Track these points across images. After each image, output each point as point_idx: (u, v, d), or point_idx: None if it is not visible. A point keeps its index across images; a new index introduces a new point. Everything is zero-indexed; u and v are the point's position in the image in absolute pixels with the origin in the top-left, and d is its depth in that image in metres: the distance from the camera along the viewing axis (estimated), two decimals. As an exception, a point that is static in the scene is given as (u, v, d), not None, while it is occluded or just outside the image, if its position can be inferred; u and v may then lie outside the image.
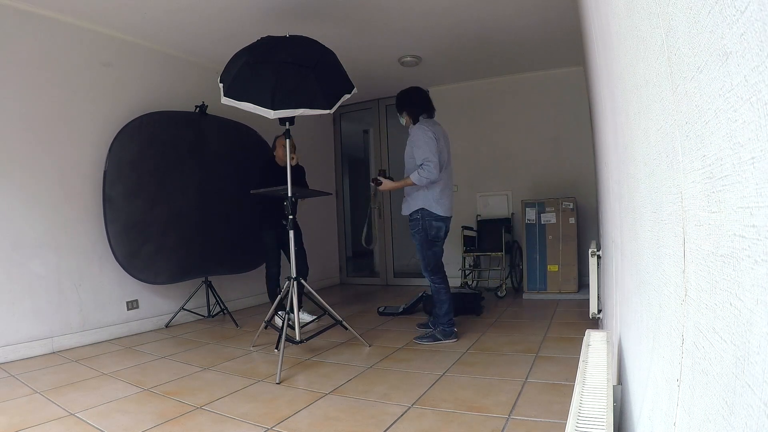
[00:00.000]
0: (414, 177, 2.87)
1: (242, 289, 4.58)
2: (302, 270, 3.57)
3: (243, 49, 2.77)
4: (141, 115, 3.61)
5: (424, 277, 3.11)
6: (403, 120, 3.15)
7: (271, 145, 3.93)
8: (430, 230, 2.96)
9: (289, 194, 2.81)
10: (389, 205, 5.98)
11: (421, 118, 3.04)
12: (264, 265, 3.97)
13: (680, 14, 0.39)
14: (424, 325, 3.35)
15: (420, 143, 2.88)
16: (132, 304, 3.63)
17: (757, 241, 0.27)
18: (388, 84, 5.33)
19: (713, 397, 0.34)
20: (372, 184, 3.17)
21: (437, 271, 3.00)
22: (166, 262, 3.67)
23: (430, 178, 2.83)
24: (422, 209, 2.94)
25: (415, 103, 3.06)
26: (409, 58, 4.51)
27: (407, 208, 3.05)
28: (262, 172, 3.72)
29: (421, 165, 2.86)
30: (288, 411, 1.99)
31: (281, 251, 3.76)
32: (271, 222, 3.65)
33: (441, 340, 2.97)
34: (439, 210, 2.95)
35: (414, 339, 3.06)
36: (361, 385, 2.28)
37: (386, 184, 3.06)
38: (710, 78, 0.33)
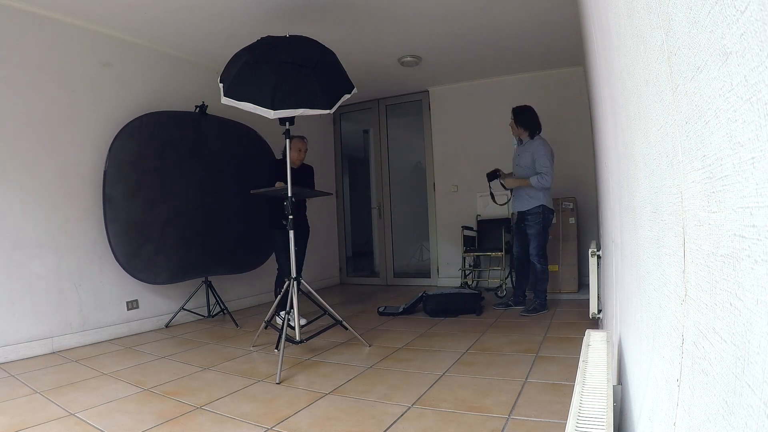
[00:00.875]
0: (533, 180, 3.59)
1: (242, 289, 4.58)
2: (298, 268, 3.55)
3: (243, 49, 2.77)
4: (141, 115, 3.61)
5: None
6: (518, 133, 3.83)
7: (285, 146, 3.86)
8: (546, 222, 3.70)
9: (289, 194, 2.81)
10: (389, 205, 5.98)
11: (537, 134, 3.74)
12: (264, 264, 3.96)
13: (680, 14, 0.39)
14: (504, 305, 4.00)
15: (542, 155, 3.60)
16: (132, 304, 3.63)
17: (757, 241, 0.27)
18: (388, 84, 5.34)
19: (713, 397, 0.34)
20: (494, 177, 3.96)
21: (545, 254, 3.75)
22: (166, 262, 3.67)
23: (545, 186, 3.60)
24: (543, 205, 3.67)
25: (534, 120, 3.75)
26: (409, 58, 4.51)
27: (527, 204, 3.71)
28: (270, 171, 3.63)
29: (540, 173, 3.57)
30: (288, 411, 1.99)
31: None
32: (279, 221, 3.59)
33: (541, 311, 3.67)
34: (551, 205, 3.78)
35: (521, 314, 3.68)
36: (361, 385, 2.28)
37: (510, 182, 3.80)
38: (710, 78, 0.33)
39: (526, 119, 3.74)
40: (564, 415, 0.82)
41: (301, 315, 3.57)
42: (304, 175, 3.72)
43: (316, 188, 3.77)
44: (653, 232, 0.62)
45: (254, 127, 4.39)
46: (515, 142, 3.91)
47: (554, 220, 4.58)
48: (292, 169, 3.39)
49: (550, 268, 4.42)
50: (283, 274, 3.73)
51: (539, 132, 3.75)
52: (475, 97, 5.40)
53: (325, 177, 6.00)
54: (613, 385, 0.87)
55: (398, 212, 6.12)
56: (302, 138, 3.73)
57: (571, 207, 4.37)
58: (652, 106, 0.56)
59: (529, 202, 3.71)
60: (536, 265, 3.72)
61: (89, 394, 2.26)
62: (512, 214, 5.09)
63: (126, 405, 2.11)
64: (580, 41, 3.43)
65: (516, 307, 3.93)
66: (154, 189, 3.61)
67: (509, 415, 1.82)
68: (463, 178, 5.46)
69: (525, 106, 3.80)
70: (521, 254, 3.89)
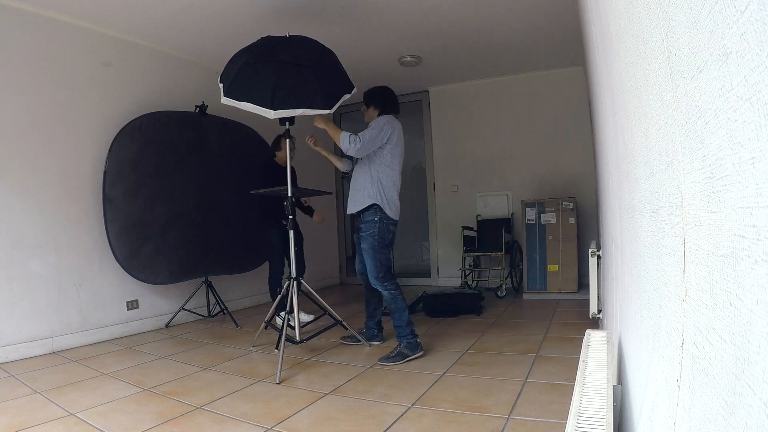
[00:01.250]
0: (343, 136, 2.77)
1: (242, 289, 4.58)
2: (300, 270, 3.57)
3: (243, 49, 2.77)
4: (141, 115, 3.61)
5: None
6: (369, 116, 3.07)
7: (271, 145, 3.92)
8: (385, 233, 2.81)
9: (289, 194, 2.81)
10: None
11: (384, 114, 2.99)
12: (264, 264, 3.96)
13: (680, 14, 0.39)
14: (351, 338, 3.07)
15: (375, 126, 2.87)
16: (132, 304, 3.63)
17: (757, 241, 0.27)
18: (388, 84, 5.32)
19: (713, 397, 0.34)
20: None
21: (391, 274, 2.82)
22: (166, 261, 3.67)
23: (352, 147, 2.76)
24: (377, 207, 2.83)
25: (386, 100, 3.05)
26: (409, 58, 4.51)
27: (357, 204, 2.85)
28: (262, 172, 3.71)
29: (356, 136, 2.79)
30: (288, 411, 1.99)
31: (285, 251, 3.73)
32: (276, 220, 3.62)
33: (411, 355, 2.65)
34: (395, 216, 2.90)
35: (379, 362, 2.62)
36: (361, 385, 2.28)
37: (320, 120, 2.87)
38: (710, 78, 0.33)
39: (375, 97, 3.07)
40: (564, 415, 0.82)
41: (303, 311, 3.60)
42: (293, 174, 3.69)
43: (311, 188, 3.77)
44: (653, 232, 0.62)
45: (254, 127, 4.39)
46: None
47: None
48: (282, 168, 3.39)
49: (550, 268, 4.42)
50: (275, 273, 3.74)
51: (394, 113, 3.06)
52: (475, 97, 5.40)
53: (325, 177, 6.00)
54: (613, 385, 0.87)
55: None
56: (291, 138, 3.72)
57: (571, 207, 4.37)
58: (652, 106, 0.56)
59: (358, 202, 2.82)
60: (382, 293, 2.76)
61: (89, 394, 2.26)
62: (512, 214, 5.13)
63: (126, 405, 2.11)
64: (580, 41, 3.43)
65: (361, 344, 2.98)
66: (154, 189, 3.61)
67: (509, 415, 1.82)
68: (463, 178, 5.46)
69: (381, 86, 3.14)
70: (364, 273, 2.90)
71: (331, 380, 2.37)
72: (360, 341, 3.01)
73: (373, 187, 2.80)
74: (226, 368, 2.65)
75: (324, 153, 3.16)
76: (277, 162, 3.75)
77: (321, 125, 2.88)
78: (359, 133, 2.79)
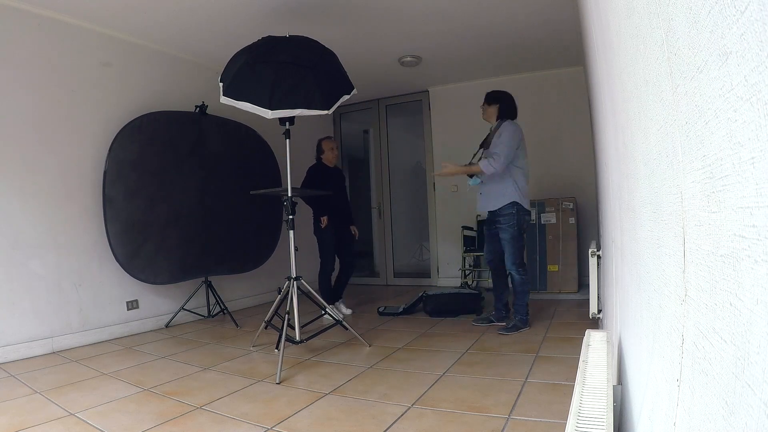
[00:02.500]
0: (483, 164, 3.08)
1: (242, 289, 4.58)
2: (348, 271, 4.06)
3: (243, 48, 2.78)
4: (141, 115, 3.61)
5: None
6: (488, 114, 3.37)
7: (317, 148, 4.03)
8: (521, 223, 3.17)
9: (289, 194, 2.81)
10: (389, 205, 5.98)
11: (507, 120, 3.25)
12: (264, 264, 3.99)
13: (680, 14, 0.39)
14: (486, 320, 3.46)
15: (505, 137, 3.11)
16: (132, 304, 3.63)
17: (757, 241, 0.27)
18: (388, 84, 5.34)
19: (713, 397, 0.34)
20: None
21: (523, 262, 3.26)
22: (167, 261, 3.67)
23: (495, 169, 3.05)
24: (516, 203, 3.13)
25: (510, 105, 3.32)
26: (409, 58, 4.51)
27: (497, 202, 3.17)
28: (309, 175, 3.88)
29: (491, 156, 3.08)
30: (288, 411, 1.99)
31: (337, 250, 3.98)
32: (331, 222, 3.81)
33: (522, 327, 3.18)
34: (527, 206, 3.24)
35: (498, 332, 3.15)
36: (361, 385, 2.28)
37: (450, 169, 3.25)
38: (710, 78, 0.33)
39: (498, 99, 3.34)
40: (564, 415, 0.82)
41: (346, 306, 4.10)
42: (338, 176, 4.02)
43: (352, 180, 4.05)
44: (653, 232, 0.62)
45: (254, 127, 4.39)
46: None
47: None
48: (328, 169, 3.83)
49: (550, 268, 4.43)
50: (325, 270, 3.92)
51: (513, 118, 3.30)
52: (475, 97, 5.37)
53: (325, 177, 6.00)
54: (613, 385, 0.87)
55: (398, 212, 6.12)
56: (331, 137, 4.08)
57: (571, 207, 4.37)
58: (652, 106, 0.56)
59: (498, 199, 3.18)
60: (515, 277, 3.20)
61: (89, 394, 2.26)
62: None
63: (126, 405, 2.11)
64: (580, 41, 3.43)
65: (498, 324, 3.39)
66: (154, 189, 3.61)
67: (509, 415, 1.82)
68: (462, 178, 5.43)
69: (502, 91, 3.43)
70: (496, 262, 3.34)
71: (331, 380, 2.37)
72: (492, 321, 3.40)
73: (510, 187, 3.14)
74: (226, 368, 2.65)
75: (459, 170, 3.31)
76: (325, 163, 3.94)
77: (451, 172, 3.27)
78: (493, 153, 3.09)
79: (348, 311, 4.05)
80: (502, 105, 3.29)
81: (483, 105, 3.40)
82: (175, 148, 3.76)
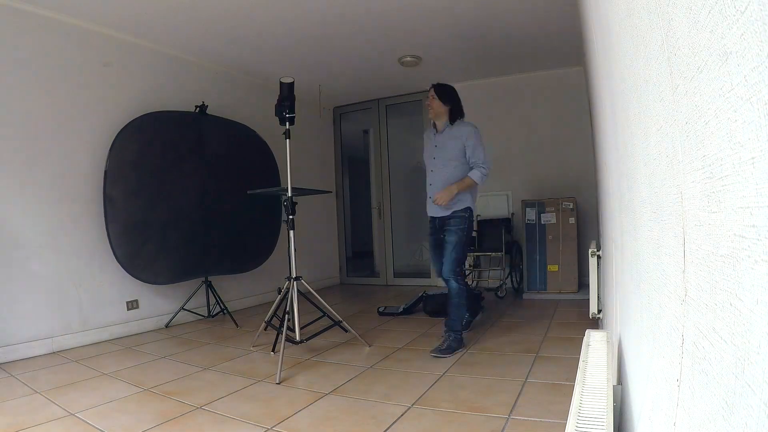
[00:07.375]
0: (477, 176, 2.86)
1: (242, 289, 4.58)
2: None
3: None
4: (141, 115, 3.61)
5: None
6: (440, 116, 2.97)
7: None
8: (470, 228, 2.95)
9: (289, 194, 2.81)
10: (389, 205, 5.98)
11: (460, 119, 2.99)
12: (264, 264, 3.98)
13: (680, 14, 0.39)
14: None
15: (479, 143, 2.89)
16: (132, 304, 3.63)
17: (757, 241, 0.27)
18: (388, 84, 5.34)
19: (713, 398, 0.34)
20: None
21: (463, 269, 3.03)
22: (167, 261, 3.67)
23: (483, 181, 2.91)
24: (470, 208, 2.93)
25: (457, 99, 3.00)
26: (409, 58, 4.51)
27: (452, 206, 2.89)
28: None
29: (481, 167, 2.87)
30: (288, 411, 1.99)
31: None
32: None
33: (457, 348, 2.78)
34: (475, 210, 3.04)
35: (431, 353, 2.75)
36: (361, 385, 2.28)
37: (447, 194, 2.85)
38: (710, 78, 0.33)
39: (450, 96, 2.96)
40: (564, 415, 0.82)
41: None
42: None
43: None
44: (653, 232, 0.62)
45: (254, 127, 4.40)
46: (430, 131, 3.08)
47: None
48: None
49: (550, 268, 4.42)
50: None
51: (462, 117, 3.00)
52: (474, 97, 5.39)
53: (325, 177, 6.01)
54: (613, 385, 0.88)
55: (398, 212, 6.12)
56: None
57: (571, 207, 4.37)
58: (652, 106, 0.56)
59: (452, 205, 2.90)
60: (452, 285, 2.85)
61: (89, 394, 2.26)
62: (512, 214, 5.13)
63: (126, 405, 2.11)
64: (580, 41, 3.43)
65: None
66: (155, 189, 3.61)
67: (509, 415, 1.82)
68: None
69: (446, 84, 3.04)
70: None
71: (331, 380, 2.37)
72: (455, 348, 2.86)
73: (465, 193, 2.91)
74: (226, 368, 2.65)
75: (455, 191, 2.87)
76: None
77: (449, 198, 2.85)
78: (480, 164, 2.87)
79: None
80: (455, 107, 2.96)
81: (431, 97, 2.94)
82: (175, 148, 3.76)
